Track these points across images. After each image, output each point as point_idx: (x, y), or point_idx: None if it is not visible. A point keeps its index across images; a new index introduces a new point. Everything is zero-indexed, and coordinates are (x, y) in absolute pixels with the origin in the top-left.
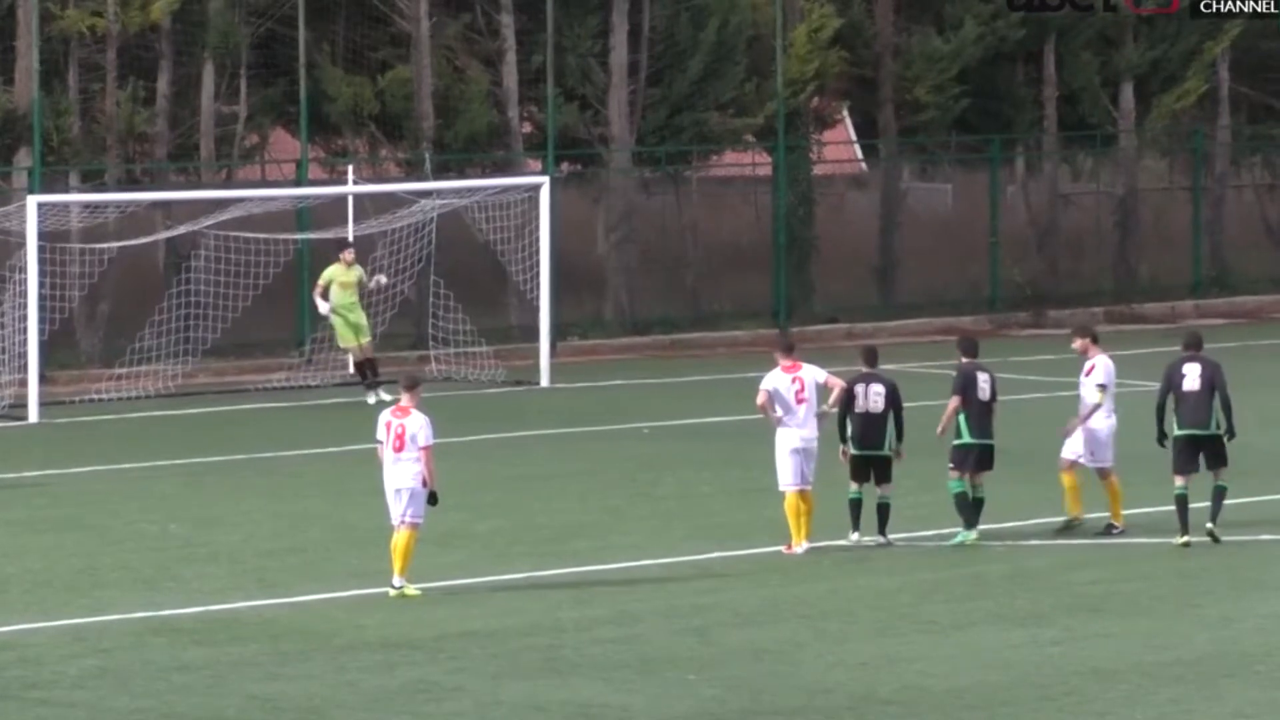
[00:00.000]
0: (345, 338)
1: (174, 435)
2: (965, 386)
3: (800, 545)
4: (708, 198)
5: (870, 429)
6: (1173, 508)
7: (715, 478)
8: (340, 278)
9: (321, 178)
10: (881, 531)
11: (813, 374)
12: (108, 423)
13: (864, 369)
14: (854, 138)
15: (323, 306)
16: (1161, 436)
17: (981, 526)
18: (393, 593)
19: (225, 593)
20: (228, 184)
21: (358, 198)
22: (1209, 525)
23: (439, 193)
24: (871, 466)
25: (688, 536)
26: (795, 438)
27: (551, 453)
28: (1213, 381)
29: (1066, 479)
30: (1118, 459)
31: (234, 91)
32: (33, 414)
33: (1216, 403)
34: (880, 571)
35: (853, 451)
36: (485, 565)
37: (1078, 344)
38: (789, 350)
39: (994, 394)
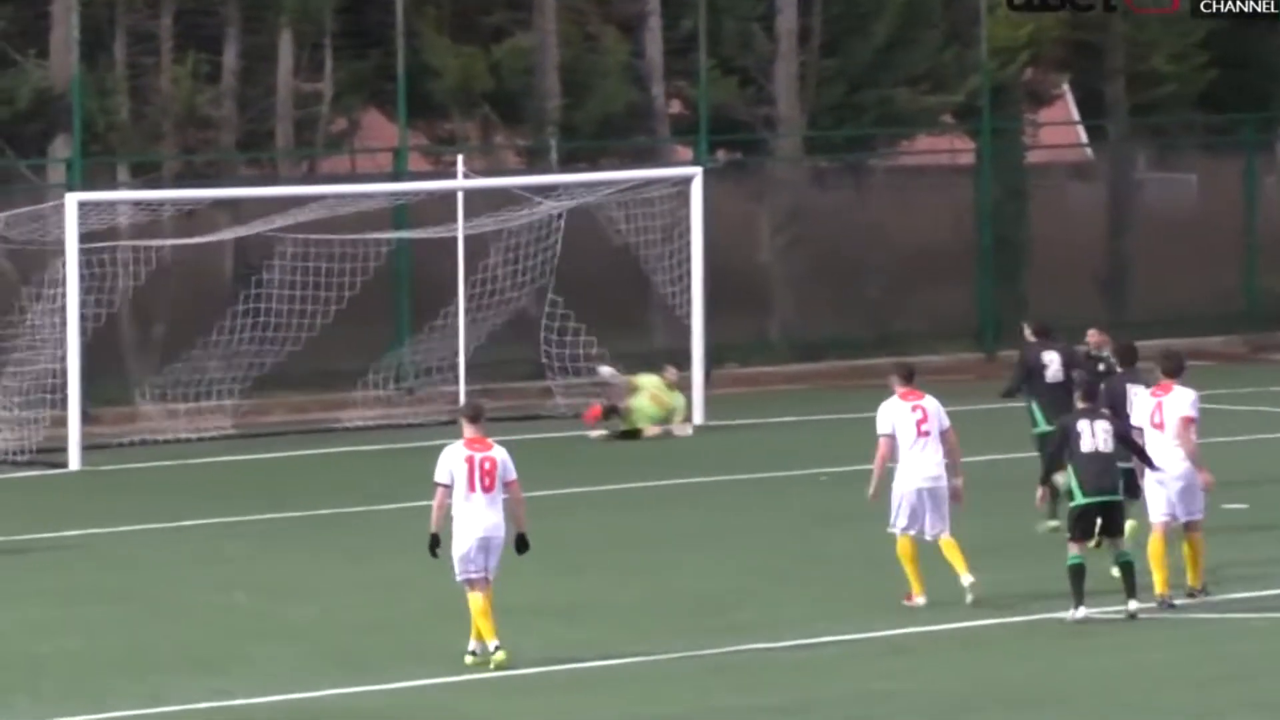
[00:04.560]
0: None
1: (242, 485)
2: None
3: (921, 597)
4: (895, 192)
5: (1102, 471)
6: None
7: None
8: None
9: (424, 169)
10: (1131, 594)
11: (936, 407)
12: (162, 470)
13: (1082, 404)
14: (1076, 117)
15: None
16: None
17: (1231, 595)
18: (492, 665)
19: (304, 678)
20: (309, 178)
21: (468, 194)
22: None
23: (567, 187)
24: (1102, 517)
25: (873, 606)
26: (916, 475)
27: (705, 505)
28: None
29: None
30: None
31: (317, 66)
32: (73, 460)
33: None
34: (1104, 650)
35: (1080, 500)
36: (623, 643)
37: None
38: (909, 378)
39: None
